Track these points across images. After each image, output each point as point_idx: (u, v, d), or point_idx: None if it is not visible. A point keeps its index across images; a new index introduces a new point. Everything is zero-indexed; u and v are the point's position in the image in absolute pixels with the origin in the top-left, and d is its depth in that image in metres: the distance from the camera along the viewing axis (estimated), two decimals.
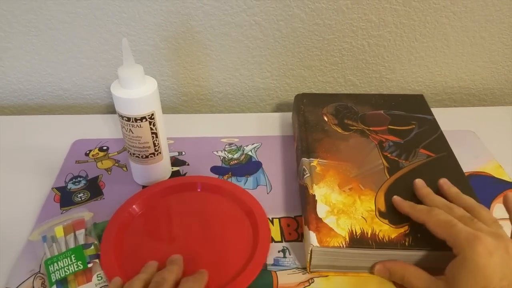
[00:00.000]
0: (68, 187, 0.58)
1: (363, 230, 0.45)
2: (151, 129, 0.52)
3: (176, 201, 0.55)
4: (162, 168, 0.57)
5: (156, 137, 0.53)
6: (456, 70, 0.77)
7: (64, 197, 0.56)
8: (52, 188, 0.58)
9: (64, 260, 0.46)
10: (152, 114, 0.51)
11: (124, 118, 0.51)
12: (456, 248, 0.39)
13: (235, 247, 0.49)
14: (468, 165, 0.59)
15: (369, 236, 0.45)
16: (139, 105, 0.50)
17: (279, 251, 0.49)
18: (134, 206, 0.54)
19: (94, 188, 0.58)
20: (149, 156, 0.54)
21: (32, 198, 0.56)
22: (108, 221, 0.51)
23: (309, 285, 0.46)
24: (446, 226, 0.41)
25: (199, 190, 0.56)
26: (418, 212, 0.44)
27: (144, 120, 0.51)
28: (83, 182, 0.59)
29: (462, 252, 0.38)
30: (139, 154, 0.54)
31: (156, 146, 0.54)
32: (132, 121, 0.50)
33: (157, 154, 0.55)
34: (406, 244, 0.44)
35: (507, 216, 0.53)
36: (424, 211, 0.44)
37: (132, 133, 0.52)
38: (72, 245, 0.48)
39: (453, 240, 0.40)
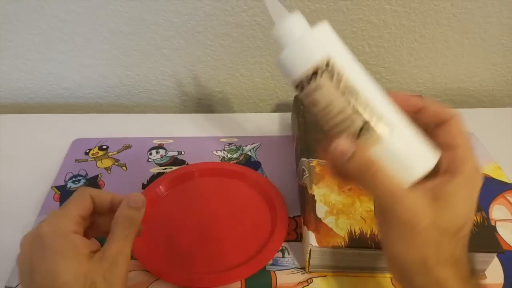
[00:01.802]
0: (68, 186, 0.58)
1: (362, 230, 0.46)
2: (338, 86, 0.31)
3: (200, 185, 0.58)
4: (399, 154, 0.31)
5: (355, 98, 0.31)
6: (455, 71, 0.77)
7: (64, 196, 0.56)
8: (51, 187, 0.58)
9: None
10: (328, 62, 0.31)
11: (297, 87, 0.33)
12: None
13: (255, 227, 0.52)
14: None
15: (368, 236, 0.45)
16: (300, 55, 0.32)
17: (278, 251, 0.49)
18: (160, 187, 0.56)
19: (93, 187, 0.58)
20: (359, 135, 0.31)
21: (31, 196, 0.56)
22: None
23: (308, 285, 0.46)
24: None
25: (222, 175, 0.59)
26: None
27: (316, 76, 0.31)
28: (82, 181, 0.59)
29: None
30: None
31: (361, 113, 0.31)
32: (305, 85, 0.32)
33: (372, 128, 0.31)
34: None
35: (507, 217, 0.53)
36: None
37: (315, 105, 0.32)
38: None
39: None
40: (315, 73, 0.31)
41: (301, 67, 0.31)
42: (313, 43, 0.32)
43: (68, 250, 0.32)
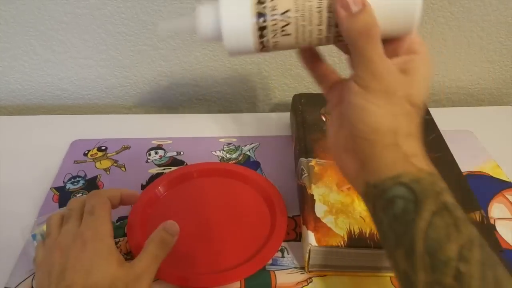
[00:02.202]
0: (67, 187, 0.58)
1: (362, 229, 0.46)
2: None
3: (199, 185, 0.58)
4: None
5: None
6: (453, 70, 0.77)
7: (63, 197, 0.56)
8: (50, 188, 0.58)
9: None
10: None
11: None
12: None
13: (255, 227, 0.52)
14: (466, 165, 0.59)
15: (367, 235, 0.45)
16: None
17: (277, 251, 0.49)
18: (159, 187, 0.56)
19: (92, 188, 0.58)
20: None
21: (30, 198, 0.56)
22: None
23: (307, 285, 0.46)
24: None
25: (220, 176, 0.59)
26: None
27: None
28: (81, 182, 0.59)
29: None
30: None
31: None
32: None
33: None
34: None
35: (506, 216, 0.54)
36: None
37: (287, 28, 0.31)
38: None
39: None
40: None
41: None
42: None
43: (105, 252, 0.36)
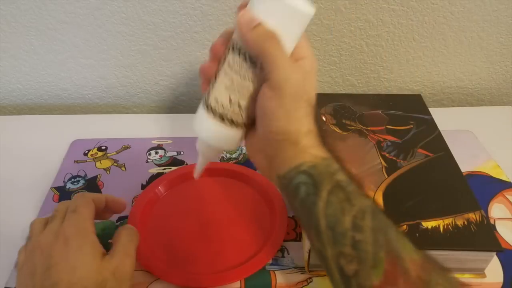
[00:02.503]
0: (67, 187, 0.58)
1: None
2: None
3: (199, 185, 0.57)
4: None
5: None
6: (454, 70, 0.77)
7: (63, 197, 0.56)
8: (51, 188, 0.58)
9: None
10: None
11: None
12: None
13: (255, 227, 0.52)
14: (466, 165, 0.59)
15: None
16: None
17: (277, 251, 0.49)
18: (159, 187, 0.56)
19: (93, 188, 0.58)
20: None
21: (31, 198, 0.56)
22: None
23: (307, 285, 0.46)
24: None
25: (219, 176, 0.59)
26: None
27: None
28: (82, 182, 0.59)
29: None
30: None
31: None
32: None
33: None
34: None
35: (506, 216, 0.54)
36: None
37: None
38: None
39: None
40: None
41: None
42: None
43: (88, 248, 0.36)
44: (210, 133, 0.38)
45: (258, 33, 0.33)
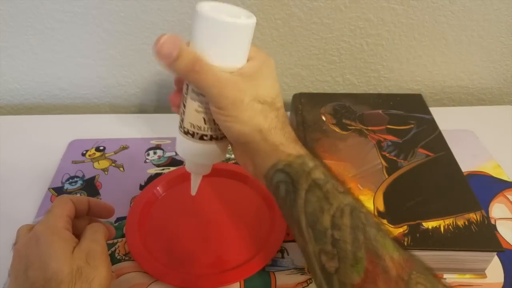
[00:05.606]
0: (65, 187, 0.58)
1: None
2: None
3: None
4: None
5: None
6: (454, 69, 0.77)
7: None
8: (48, 189, 0.57)
9: None
10: None
11: None
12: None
13: (255, 227, 0.52)
14: (466, 165, 0.58)
15: None
16: None
17: (277, 252, 0.49)
18: (158, 188, 0.56)
19: (90, 188, 0.58)
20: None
21: (28, 198, 0.56)
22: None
23: (307, 286, 0.46)
24: None
25: (219, 176, 0.58)
26: None
27: None
28: (79, 182, 0.59)
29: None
30: None
31: None
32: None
33: None
34: (405, 243, 0.44)
35: (507, 216, 0.53)
36: None
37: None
38: None
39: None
40: None
41: None
42: None
43: (59, 243, 0.36)
44: (197, 153, 0.39)
45: (182, 64, 0.33)
